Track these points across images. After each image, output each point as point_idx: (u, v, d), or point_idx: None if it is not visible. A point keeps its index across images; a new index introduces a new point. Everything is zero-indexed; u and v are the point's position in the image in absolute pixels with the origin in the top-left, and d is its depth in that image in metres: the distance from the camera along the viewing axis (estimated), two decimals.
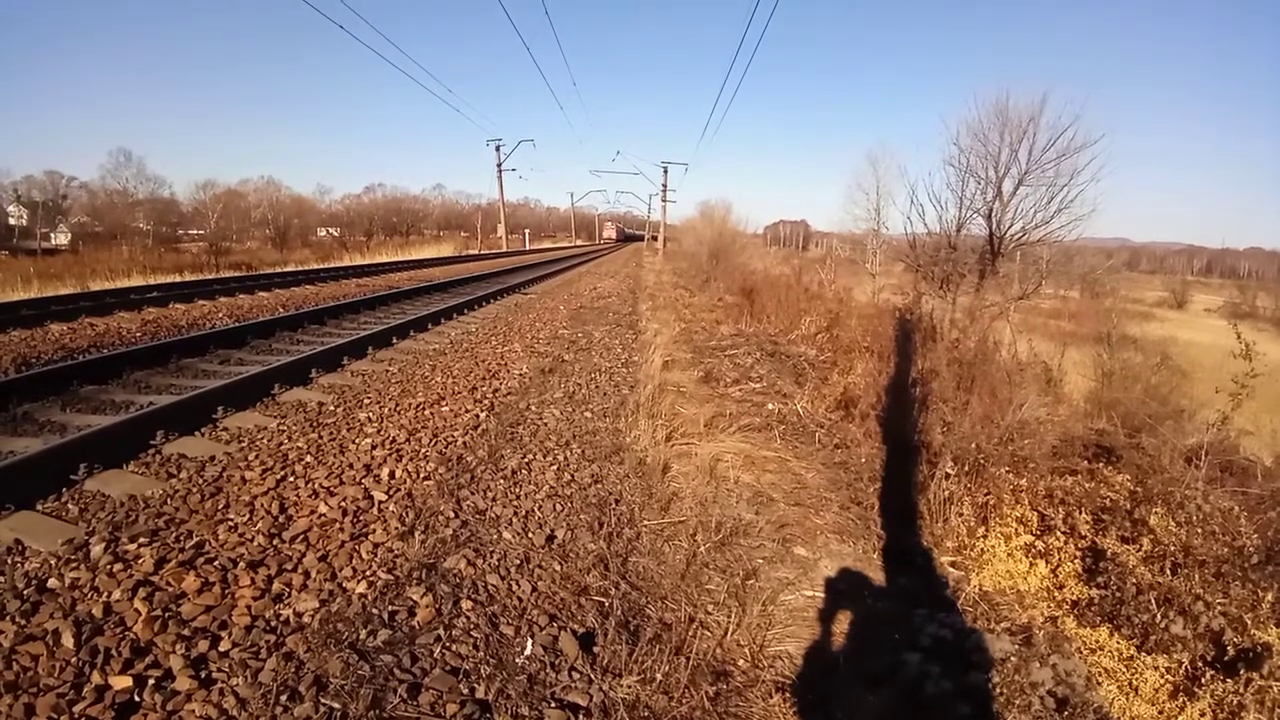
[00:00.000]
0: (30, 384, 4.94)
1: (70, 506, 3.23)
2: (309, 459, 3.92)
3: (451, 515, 3.35)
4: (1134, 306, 32.75)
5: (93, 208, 53.77)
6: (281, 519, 3.17)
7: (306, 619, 2.43)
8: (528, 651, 2.36)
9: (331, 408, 4.99)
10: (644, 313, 11.63)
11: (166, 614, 2.40)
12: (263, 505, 3.28)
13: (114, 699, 2.00)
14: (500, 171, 45.52)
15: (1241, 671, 2.58)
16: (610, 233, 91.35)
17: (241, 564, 2.74)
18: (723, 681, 2.39)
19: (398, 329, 8.12)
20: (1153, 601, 2.97)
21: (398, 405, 5.11)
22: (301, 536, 3.02)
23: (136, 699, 2.02)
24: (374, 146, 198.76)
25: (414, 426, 4.62)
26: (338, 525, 3.14)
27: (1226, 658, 2.69)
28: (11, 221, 51.44)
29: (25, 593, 2.48)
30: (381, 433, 4.44)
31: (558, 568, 2.95)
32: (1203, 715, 2.51)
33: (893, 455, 4.97)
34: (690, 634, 2.61)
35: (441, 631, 2.42)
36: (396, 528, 3.15)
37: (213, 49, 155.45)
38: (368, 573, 2.76)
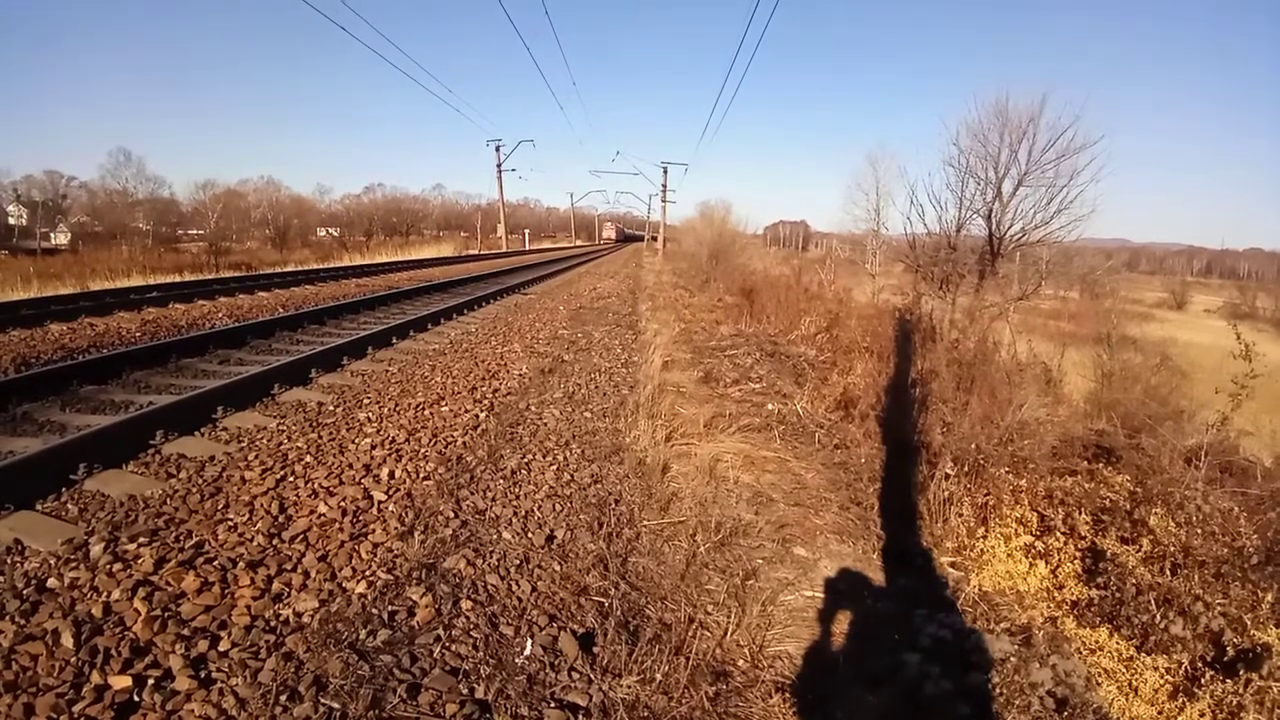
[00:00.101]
0: (30, 384, 4.94)
1: (70, 506, 3.23)
2: (309, 459, 3.92)
3: (451, 515, 3.35)
4: (1133, 307, 32.78)
5: (92, 207, 53.78)
6: (281, 519, 3.17)
7: (306, 619, 2.43)
8: (527, 651, 2.36)
9: (331, 408, 4.99)
10: (644, 313, 11.63)
11: (166, 614, 2.40)
12: (262, 505, 3.28)
13: (113, 699, 2.00)
14: (500, 172, 45.56)
15: (1241, 672, 2.58)
16: (609, 233, 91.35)
17: (241, 564, 2.74)
18: (722, 682, 2.39)
19: (397, 329, 8.12)
20: (1152, 602, 2.97)
21: (397, 405, 5.11)
22: (301, 536, 3.01)
23: (136, 699, 2.02)
24: (374, 146, 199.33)
25: (414, 426, 4.62)
26: (337, 525, 3.14)
27: (1226, 658, 2.69)
28: (11, 221, 51.46)
29: (25, 592, 2.48)
30: (381, 433, 4.44)
31: (557, 568, 2.95)
32: (1202, 716, 2.51)
33: (892, 455, 4.98)
34: (690, 634, 2.61)
35: (441, 631, 2.42)
36: (396, 528, 3.15)
37: (213, 49, 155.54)
38: (367, 573, 2.76)
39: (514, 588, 2.76)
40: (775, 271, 17.29)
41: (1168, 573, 3.17)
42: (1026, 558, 3.50)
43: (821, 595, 3.10)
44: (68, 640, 2.22)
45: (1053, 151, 19.13)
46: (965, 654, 2.73)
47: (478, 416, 4.98)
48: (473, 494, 3.63)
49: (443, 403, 5.28)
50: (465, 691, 2.14)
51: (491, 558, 2.98)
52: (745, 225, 35.34)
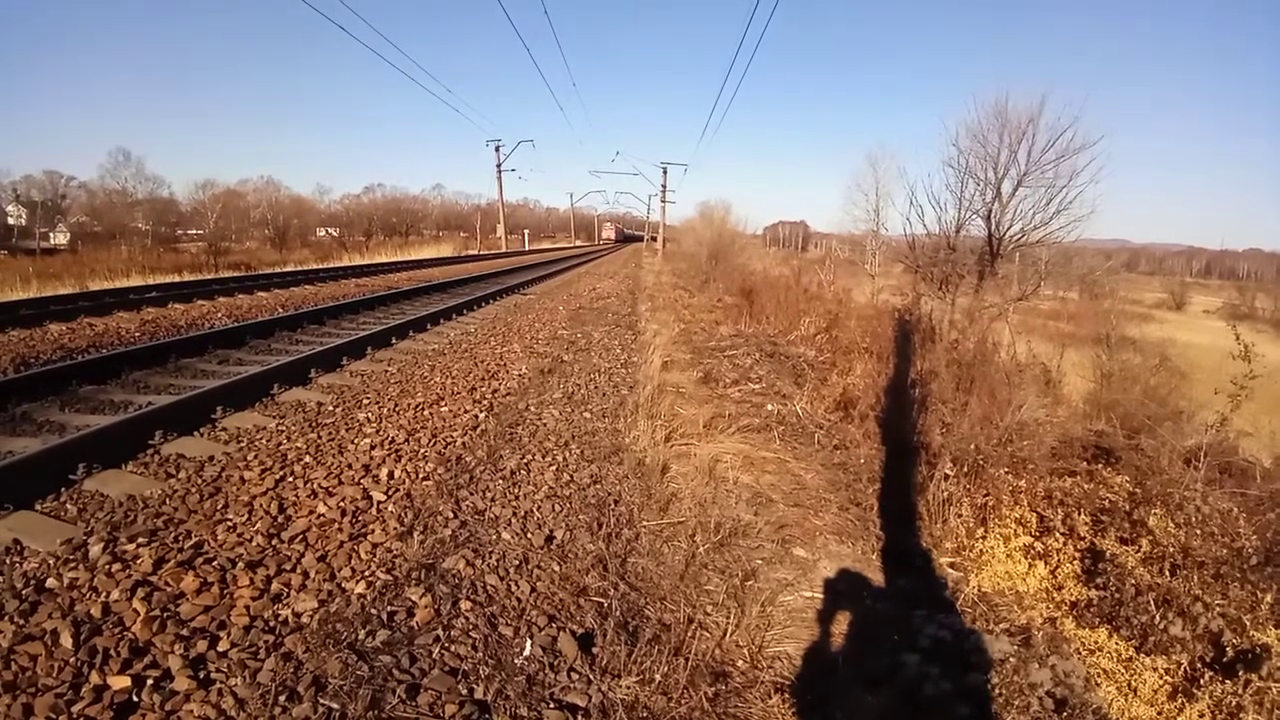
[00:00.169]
0: (29, 384, 4.93)
1: (69, 506, 3.23)
2: (308, 459, 3.92)
3: (450, 516, 3.35)
4: (1133, 308, 32.79)
5: (92, 207, 53.69)
6: (280, 519, 3.17)
7: (305, 619, 2.43)
8: (526, 652, 2.36)
9: (330, 408, 4.99)
10: (643, 313, 11.63)
11: (165, 614, 2.40)
12: (261, 505, 3.28)
13: (112, 699, 2.00)
14: (500, 172, 45.56)
15: (1240, 673, 2.58)
16: (609, 233, 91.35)
17: (240, 564, 2.74)
18: (722, 682, 2.39)
19: (397, 329, 8.12)
20: (1151, 603, 2.97)
21: (397, 405, 5.11)
22: (300, 537, 3.01)
23: (135, 699, 2.02)
24: (373, 146, 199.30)
25: (413, 427, 4.62)
26: (337, 525, 3.13)
27: (1225, 659, 2.69)
28: (10, 221, 51.40)
29: (24, 593, 2.48)
30: (380, 433, 4.44)
31: (557, 568, 2.95)
32: (1201, 716, 2.51)
33: (892, 456, 4.98)
34: (689, 635, 2.61)
35: (440, 632, 2.42)
36: (395, 528, 3.15)
37: (213, 49, 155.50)
38: (366, 573, 2.76)
39: (513, 588, 2.76)
40: (775, 272, 17.30)
41: (1167, 573, 3.17)
42: (1026, 558, 3.50)
43: (821, 596, 3.10)
44: (67, 640, 2.22)
45: (1052, 152, 19.18)
46: (965, 654, 2.73)
47: (477, 417, 4.98)
48: (472, 494, 3.63)
49: (442, 403, 5.27)
50: (464, 692, 2.14)
51: (491, 558, 2.98)
52: (745, 225, 35.35)
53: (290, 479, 3.62)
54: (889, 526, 3.99)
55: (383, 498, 3.47)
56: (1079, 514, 3.66)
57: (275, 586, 2.62)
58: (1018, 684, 2.55)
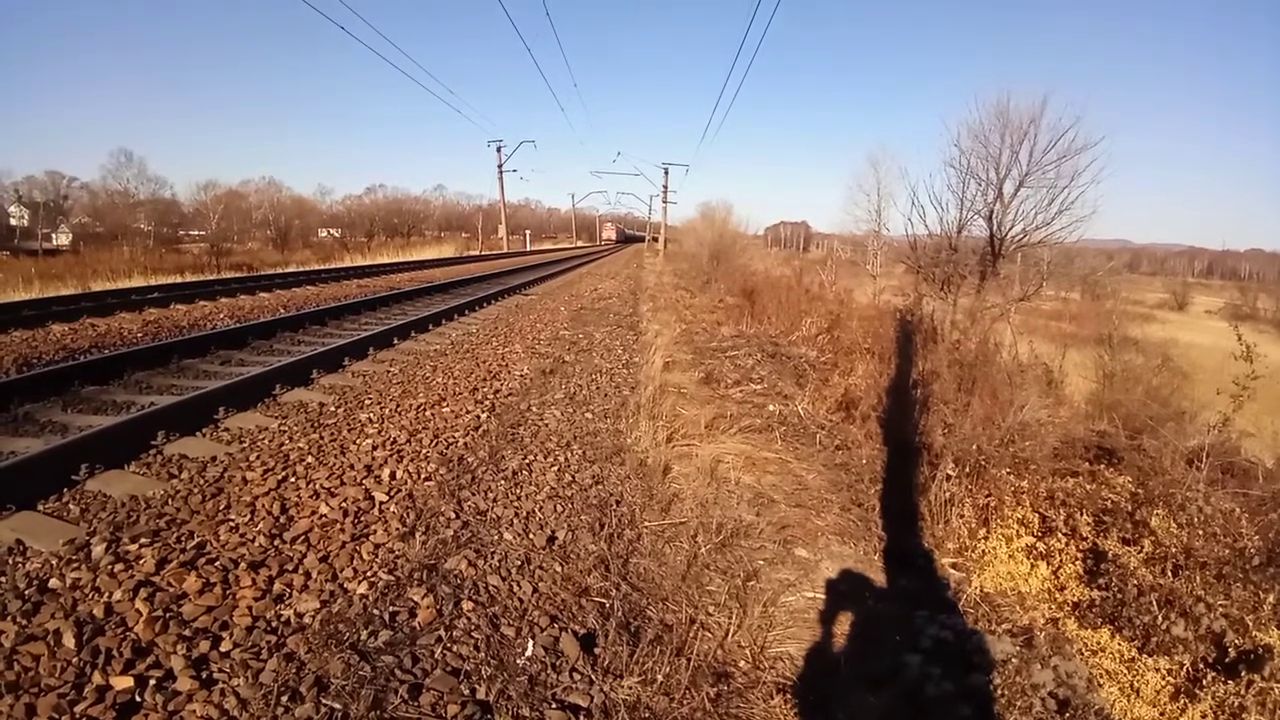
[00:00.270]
0: (32, 384, 4.94)
1: (71, 507, 3.24)
2: (310, 460, 3.92)
3: (452, 516, 3.35)
4: (1135, 308, 32.76)
5: (94, 208, 53.75)
6: (283, 519, 3.17)
7: (308, 620, 2.43)
8: (529, 652, 2.36)
9: (333, 408, 4.99)
10: (645, 314, 11.63)
11: (168, 614, 2.40)
12: (264, 506, 3.28)
13: (115, 699, 2.00)
14: (501, 172, 45.61)
15: (1243, 673, 2.57)
16: (610, 234, 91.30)
17: (243, 564, 2.74)
18: (724, 683, 2.39)
19: (399, 330, 8.13)
20: (1154, 603, 2.96)
21: (399, 406, 5.11)
22: (302, 537, 3.02)
23: (138, 699, 2.02)
24: (375, 147, 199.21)
25: (415, 427, 4.62)
26: (339, 526, 3.14)
27: (1228, 659, 2.69)
28: (13, 222, 51.49)
29: (26, 593, 2.48)
30: (382, 433, 4.44)
31: (559, 569, 2.95)
32: (1204, 717, 2.50)
33: (894, 457, 4.97)
34: (691, 635, 2.61)
35: (442, 632, 2.42)
36: (397, 528, 3.16)
37: (214, 49, 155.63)
38: (369, 573, 2.76)
39: (515, 589, 2.76)
40: (776, 272, 17.29)
41: (1169, 574, 3.17)
42: (1028, 559, 3.50)
43: (823, 596, 3.10)
44: (69, 641, 2.22)
45: (1054, 152, 19.21)
46: (967, 655, 2.73)
47: (479, 417, 4.99)
48: (474, 495, 3.63)
49: (444, 403, 5.28)
50: (467, 692, 2.14)
51: (493, 559, 2.98)
52: (746, 226, 35.42)
53: (292, 479, 3.63)
54: (891, 527, 3.99)
55: (385, 498, 3.47)
56: (1081, 514, 3.65)
57: (277, 587, 2.62)
58: (1020, 685, 2.54)
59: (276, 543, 2.95)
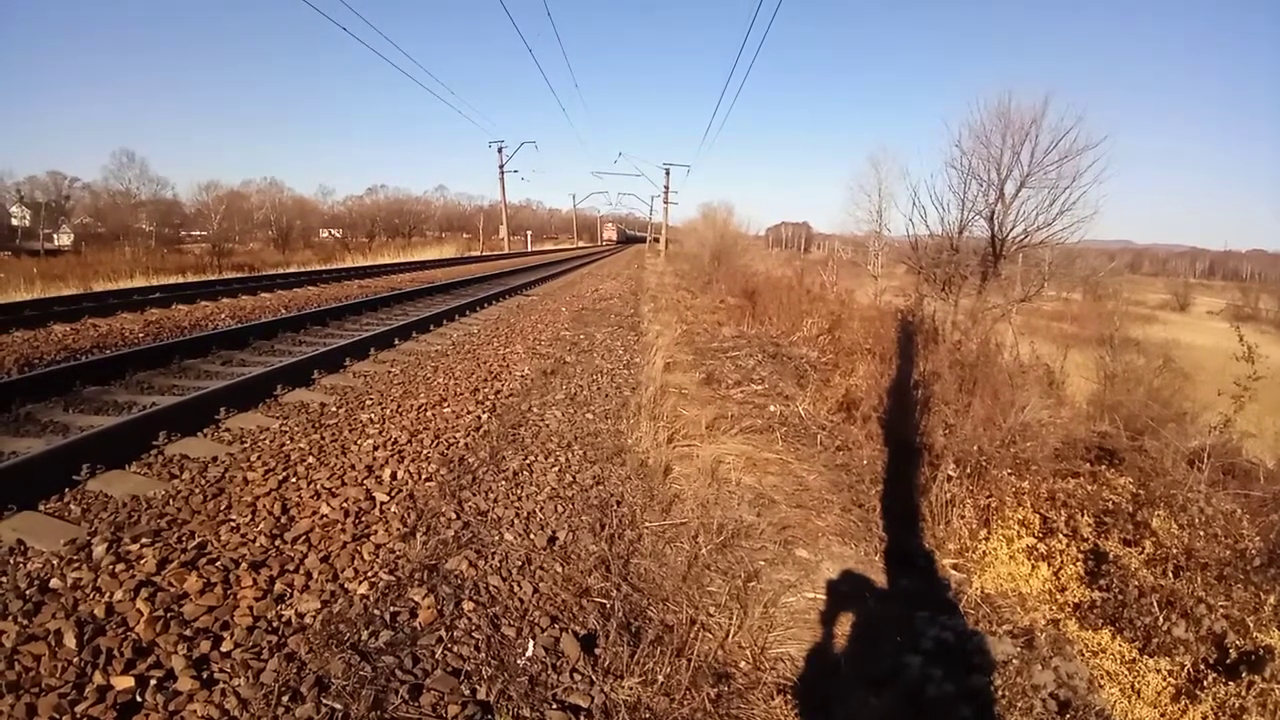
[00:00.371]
0: (33, 385, 4.95)
1: (73, 507, 3.24)
2: (311, 460, 3.92)
3: (453, 516, 3.35)
4: (1136, 309, 32.73)
5: (95, 208, 53.81)
6: (284, 520, 3.17)
7: (308, 620, 2.43)
8: (529, 653, 2.36)
9: (334, 409, 5.00)
10: (646, 314, 11.63)
11: (169, 614, 2.40)
12: (265, 506, 3.28)
13: (116, 699, 2.00)
14: (502, 173, 45.65)
15: (1243, 674, 2.57)
16: (610, 234, 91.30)
17: (244, 565, 2.74)
18: (724, 683, 2.39)
19: (400, 330, 8.13)
20: (1155, 604, 2.96)
21: (400, 406, 5.11)
22: (303, 537, 3.02)
23: (138, 699, 2.02)
24: (376, 148, 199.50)
25: (416, 428, 4.62)
26: (340, 526, 3.14)
27: (1229, 660, 2.69)
28: (14, 222, 51.58)
29: (28, 593, 2.48)
30: (383, 434, 4.45)
31: (559, 569, 2.95)
32: (1205, 718, 2.50)
33: (895, 457, 4.97)
34: (692, 636, 2.61)
35: (443, 633, 2.43)
36: (398, 529, 3.16)
37: (215, 50, 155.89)
38: (369, 574, 2.76)
39: (516, 589, 2.77)
40: (777, 273, 17.29)
41: (1170, 575, 3.17)
42: (1029, 560, 3.50)
43: (823, 597, 3.10)
44: (70, 640, 2.22)
45: (1055, 153, 19.19)
46: (967, 656, 2.73)
47: (480, 418, 4.99)
48: (475, 495, 3.63)
49: (445, 404, 5.28)
50: (467, 692, 2.14)
51: (494, 559, 2.98)
52: (747, 226, 35.47)
53: (293, 480, 3.63)
54: (892, 528, 3.99)
55: (386, 498, 3.47)
56: (1082, 515, 3.65)
57: (278, 587, 2.62)
58: (1021, 686, 2.54)
59: (277, 543, 2.96)
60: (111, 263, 25.72)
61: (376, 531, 3.12)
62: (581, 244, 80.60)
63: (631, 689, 2.24)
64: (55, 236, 51.05)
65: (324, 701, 2.04)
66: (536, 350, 7.84)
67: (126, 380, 5.59)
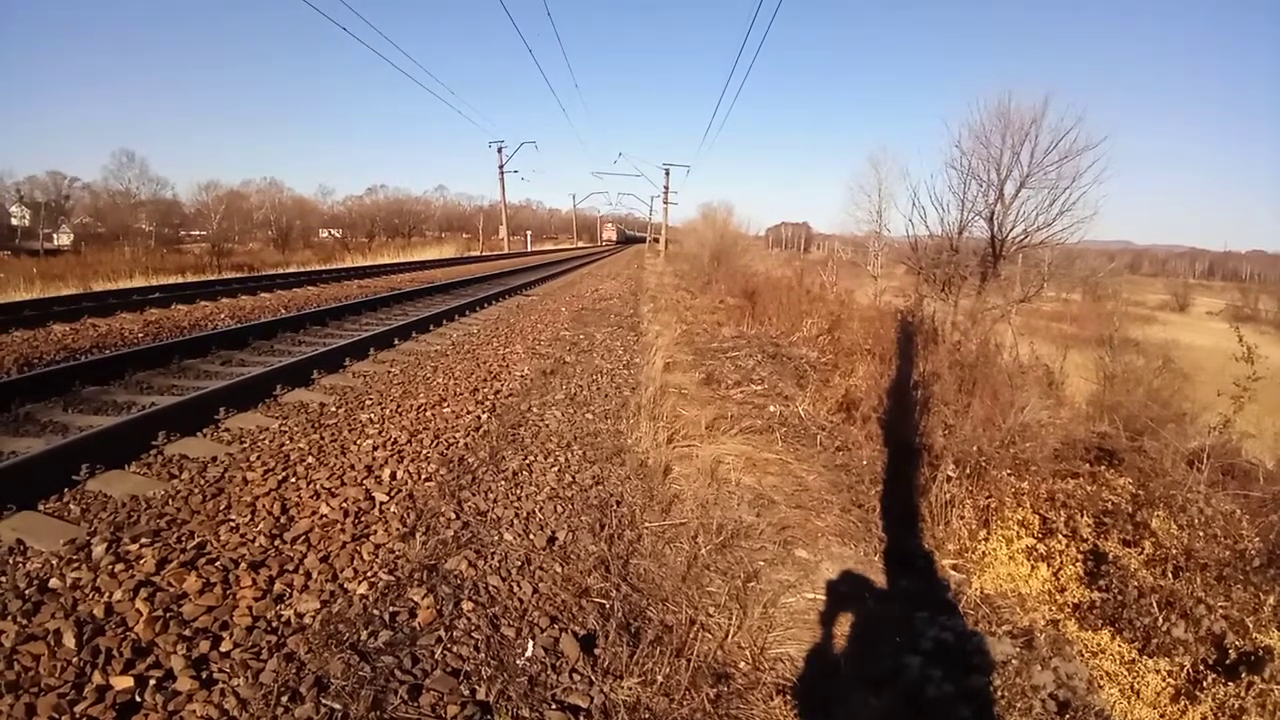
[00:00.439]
0: (32, 384, 4.95)
1: (72, 507, 3.24)
2: (310, 460, 3.92)
3: (453, 516, 3.35)
4: (1136, 309, 32.73)
5: (95, 208, 53.82)
6: (283, 520, 3.17)
7: (308, 620, 2.43)
8: (529, 653, 2.36)
9: (333, 409, 5.00)
10: (645, 314, 11.63)
11: (168, 614, 2.40)
12: (264, 506, 3.28)
13: (115, 699, 2.00)
14: (502, 173, 45.66)
15: (1243, 675, 2.57)
16: (610, 234, 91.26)
17: (243, 565, 2.74)
18: (724, 684, 2.39)
19: (399, 330, 8.13)
20: (1154, 605, 2.96)
21: (399, 406, 5.11)
22: (303, 537, 3.02)
23: (138, 699, 2.02)
24: (376, 148, 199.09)
25: (415, 428, 4.62)
26: (339, 526, 3.14)
27: (1228, 661, 2.69)
28: (14, 222, 51.56)
29: (27, 593, 2.48)
30: (383, 434, 4.45)
31: (559, 569, 2.95)
32: (1204, 718, 2.50)
33: (894, 458, 4.97)
34: (691, 636, 2.61)
35: (442, 633, 2.43)
36: (398, 529, 3.16)
37: (215, 49, 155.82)
38: (369, 574, 2.76)
39: (515, 589, 2.77)
40: (777, 273, 17.29)
41: (1170, 575, 3.17)
42: (1028, 560, 3.50)
43: (823, 597, 3.10)
44: (69, 640, 2.22)
45: (1055, 153, 19.18)
46: (967, 656, 2.73)
47: (479, 418, 4.99)
48: (474, 495, 3.63)
49: (444, 404, 5.28)
50: (466, 693, 2.14)
51: (493, 559, 2.98)
52: (747, 227, 35.49)
53: (293, 480, 3.63)
54: (891, 528, 3.99)
55: (385, 498, 3.47)
56: (1082, 516, 3.65)
57: (278, 587, 2.62)
58: (1020, 686, 2.54)
59: (277, 543, 2.96)
60: (111, 263, 25.72)
61: (376, 531, 3.12)
62: (581, 244, 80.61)
63: (631, 689, 2.24)
64: (55, 236, 51.05)
65: (323, 702, 2.04)
66: (536, 350, 7.84)
67: (126, 380, 5.59)
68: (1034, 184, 19.59)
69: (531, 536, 3.23)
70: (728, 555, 3.33)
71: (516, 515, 3.44)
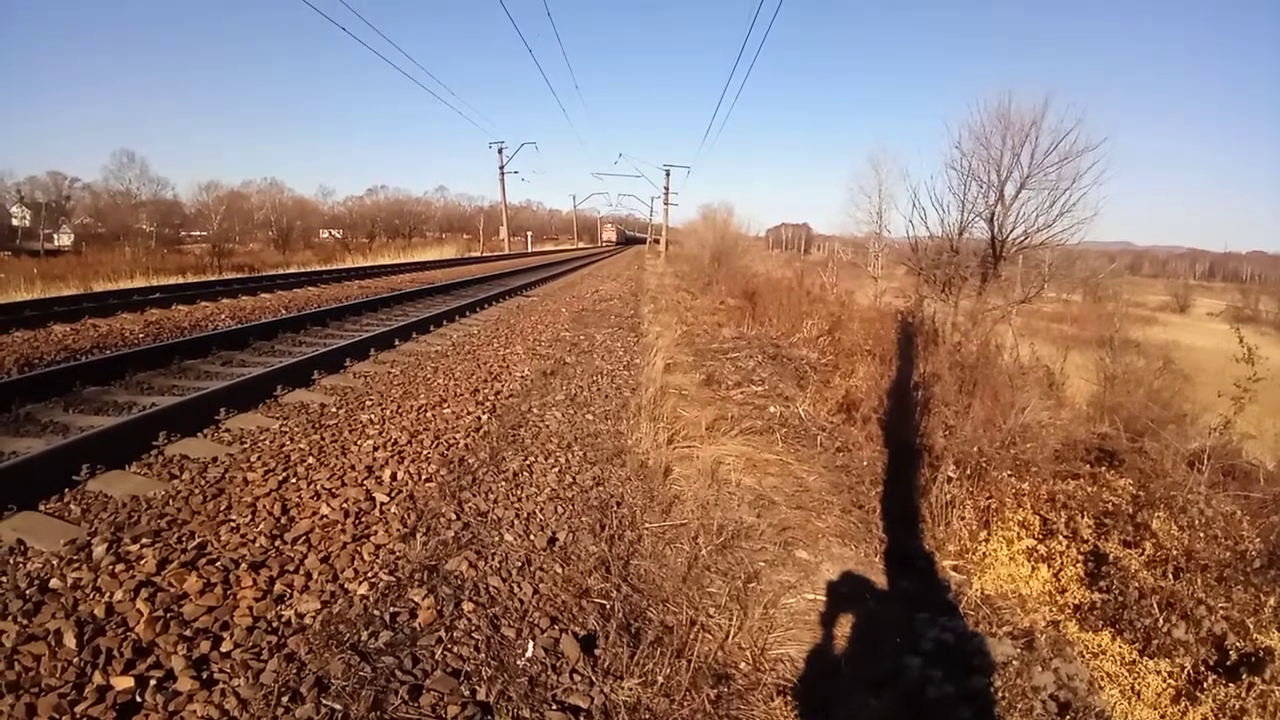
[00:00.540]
0: (33, 385, 4.95)
1: (73, 507, 3.24)
2: (311, 460, 3.92)
3: (453, 517, 3.35)
4: (1136, 310, 32.74)
5: (96, 209, 53.85)
6: (283, 520, 3.17)
7: (308, 620, 2.43)
8: (529, 654, 2.36)
9: (334, 409, 5.00)
10: (646, 315, 11.63)
11: (168, 615, 2.40)
12: (265, 506, 3.28)
13: (116, 699, 2.00)
14: (503, 174, 45.67)
15: (1243, 676, 2.57)
16: (610, 235, 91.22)
17: (243, 565, 2.74)
18: (724, 684, 2.39)
19: (400, 331, 8.13)
20: (1155, 605, 2.96)
21: (400, 407, 5.11)
22: (303, 538, 3.02)
23: (138, 699, 2.02)
24: (376, 148, 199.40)
25: (416, 428, 4.62)
26: (339, 527, 3.14)
27: (1229, 662, 2.69)
28: (15, 222, 51.62)
29: (28, 593, 2.48)
30: (383, 434, 4.45)
31: (559, 570, 2.95)
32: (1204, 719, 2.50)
33: (895, 458, 4.97)
34: (692, 637, 2.61)
35: (443, 633, 2.43)
36: (398, 529, 3.16)
37: (215, 50, 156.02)
38: (369, 574, 2.76)
39: (516, 590, 2.76)
40: (777, 274, 17.30)
41: (1170, 576, 3.17)
42: (1029, 561, 3.50)
43: (823, 598, 3.10)
44: (70, 641, 2.22)
45: (1055, 154, 19.18)
46: (967, 657, 2.73)
47: (480, 418, 4.99)
48: (475, 496, 3.63)
49: (445, 404, 5.28)
50: (467, 693, 2.14)
51: (493, 560, 2.98)
52: (747, 228, 35.50)
53: (293, 480, 3.63)
54: (891, 529, 3.98)
55: (385, 499, 3.47)
56: (1082, 517, 3.65)
57: (278, 587, 2.62)
58: (1021, 687, 2.54)
59: (277, 543, 2.96)
60: (112, 263, 25.71)
61: (376, 532, 3.12)
62: (582, 245, 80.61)
63: (631, 690, 2.24)
64: (55, 237, 51.11)
65: (324, 702, 2.04)
66: (536, 351, 7.84)
67: (126, 380, 5.59)
68: (1034, 185, 19.61)
69: (532, 537, 3.23)
70: (728, 556, 3.33)
71: (517, 516, 3.44)
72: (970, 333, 8.71)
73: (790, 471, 4.56)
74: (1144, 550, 3.36)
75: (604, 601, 2.75)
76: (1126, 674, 2.74)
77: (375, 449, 4.17)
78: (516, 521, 3.38)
